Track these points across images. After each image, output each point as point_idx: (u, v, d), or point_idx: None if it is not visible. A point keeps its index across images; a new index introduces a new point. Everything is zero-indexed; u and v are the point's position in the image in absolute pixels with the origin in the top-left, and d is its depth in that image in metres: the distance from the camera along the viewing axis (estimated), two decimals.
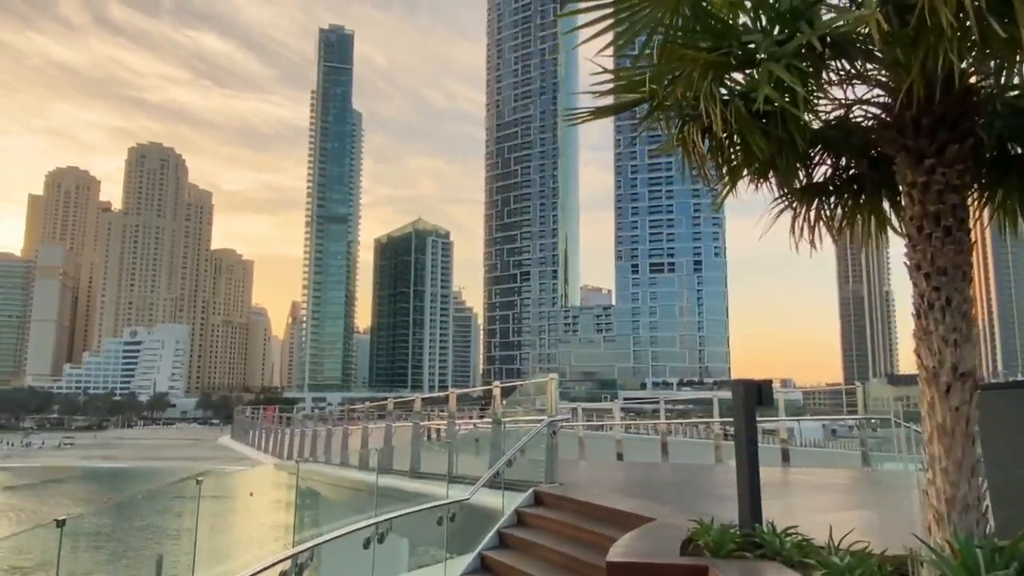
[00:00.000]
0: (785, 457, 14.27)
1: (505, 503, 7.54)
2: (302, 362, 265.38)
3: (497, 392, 9.81)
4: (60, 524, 6.49)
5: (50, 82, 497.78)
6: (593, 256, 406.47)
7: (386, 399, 16.93)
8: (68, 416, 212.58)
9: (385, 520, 6.09)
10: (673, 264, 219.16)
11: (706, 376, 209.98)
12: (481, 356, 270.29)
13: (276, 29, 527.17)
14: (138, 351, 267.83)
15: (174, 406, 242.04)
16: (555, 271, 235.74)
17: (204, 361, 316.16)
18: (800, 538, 4.36)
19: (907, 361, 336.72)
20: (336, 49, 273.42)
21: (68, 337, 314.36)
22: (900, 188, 4.24)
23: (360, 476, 14.16)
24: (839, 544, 4.05)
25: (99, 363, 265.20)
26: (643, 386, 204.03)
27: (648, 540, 4.94)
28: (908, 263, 4.18)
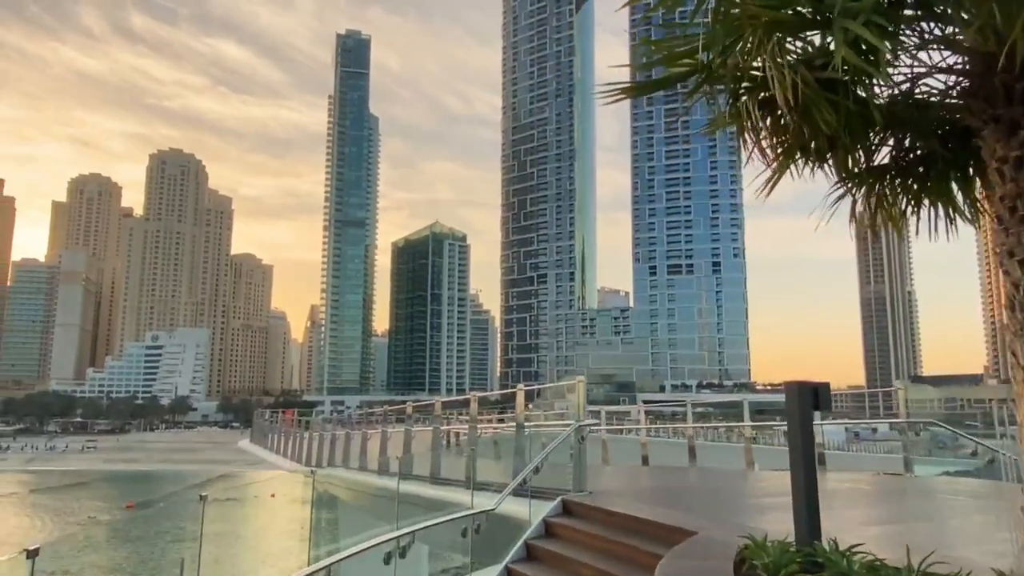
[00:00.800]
0: (820, 460, 13.85)
1: (532, 512, 7.11)
2: (321, 365, 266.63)
3: (521, 395, 9.37)
4: (31, 555, 6.05)
5: (73, 91, 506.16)
6: (610, 258, 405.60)
7: (404, 402, 16.53)
8: (91, 420, 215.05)
9: (408, 533, 5.68)
10: (691, 265, 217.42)
11: (726, 378, 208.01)
12: (498, 359, 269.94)
13: (293, 36, 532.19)
14: (160, 355, 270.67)
15: (195, 409, 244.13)
16: (572, 273, 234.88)
17: (224, 365, 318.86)
18: (871, 557, 3.81)
19: (931, 362, 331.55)
20: (353, 54, 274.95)
21: (91, 342, 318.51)
22: (988, 165, 3.73)
23: (381, 482, 13.70)
24: (921, 567, 3.52)
25: (121, 367, 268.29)
26: (662, 388, 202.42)
27: (695, 559, 4.49)
28: (998, 250, 3.77)
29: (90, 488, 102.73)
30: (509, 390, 9.86)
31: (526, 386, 9.81)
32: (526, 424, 8.81)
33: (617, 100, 4.28)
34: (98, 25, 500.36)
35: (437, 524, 5.99)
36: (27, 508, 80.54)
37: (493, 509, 6.53)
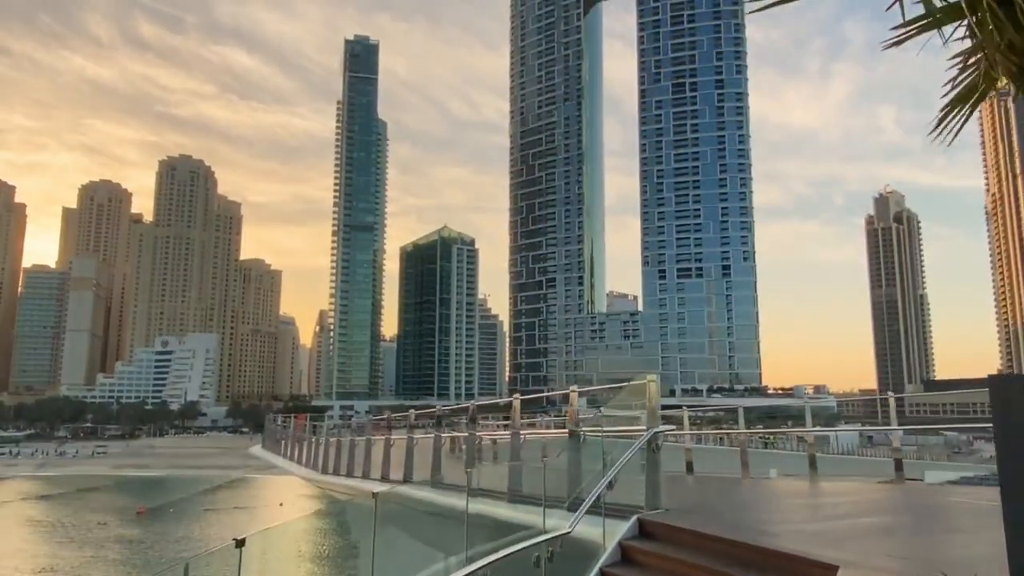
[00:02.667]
0: (811, 463, 13.03)
1: (605, 534, 6.08)
2: (330, 370, 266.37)
3: (574, 397, 8.50)
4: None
5: (83, 99, 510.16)
6: (618, 263, 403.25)
7: (433, 407, 15.59)
8: (101, 425, 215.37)
9: (485, 567, 4.81)
10: (701, 269, 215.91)
11: (736, 383, 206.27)
12: (507, 363, 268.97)
13: (301, 43, 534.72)
14: (169, 360, 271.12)
15: (204, 415, 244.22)
16: (581, 277, 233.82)
17: (234, 370, 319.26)
18: None
19: (943, 366, 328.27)
20: (361, 59, 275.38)
21: (101, 347, 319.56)
22: None
23: (445, 500, 12.15)
24: None
25: (131, 373, 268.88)
26: (672, 393, 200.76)
27: None
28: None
29: (101, 494, 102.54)
30: (560, 391, 8.84)
31: (580, 388, 8.80)
32: (582, 430, 7.94)
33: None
34: (107, 34, 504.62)
35: (512, 554, 5.10)
36: (37, 515, 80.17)
37: (568, 532, 5.54)
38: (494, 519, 7.23)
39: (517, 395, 9.56)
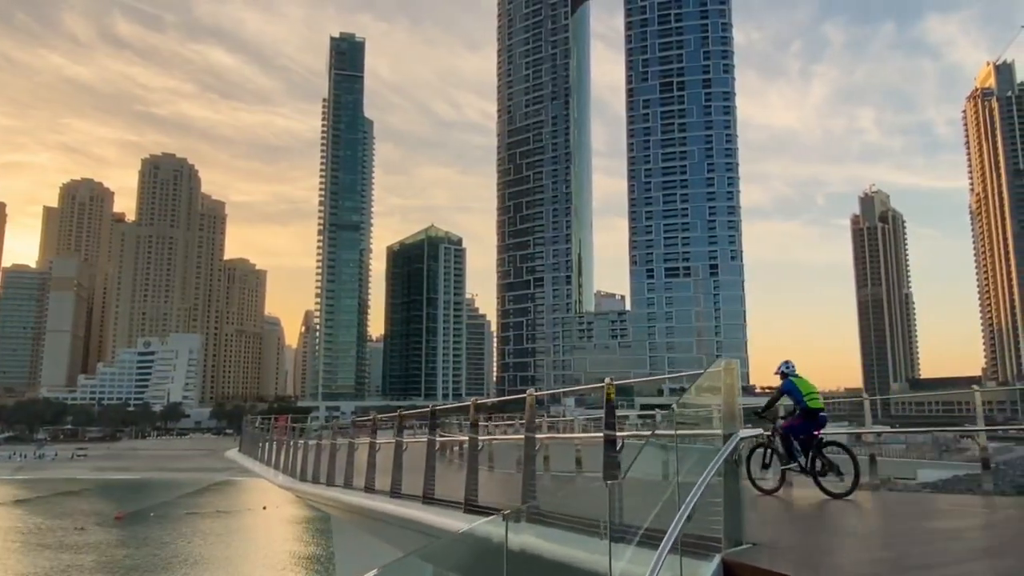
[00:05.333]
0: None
1: None
2: (315, 371, 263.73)
3: (611, 390, 6.77)
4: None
5: (62, 98, 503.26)
6: (604, 263, 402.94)
7: (399, 408, 14.15)
8: (82, 427, 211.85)
9: None
10: (688, 268, 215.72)
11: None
12: (495, 363, 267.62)
13: (281, 43, 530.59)
14: (152, 361, 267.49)
15: (188, 416, 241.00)
16: (569, 277, 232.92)
17: (218, 371, 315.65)
18: None
19: (928, 365, 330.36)
20: (348, 57, 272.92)
21: (83, 348, 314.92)
22: None
23: (417, 515, 9.82)
24: None
25: (113, 374, 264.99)
26: (660, 392, 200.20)
27: None
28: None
29: (79, 498, 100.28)
30: (588, 386, 6.94)
31: (615, 381, 7.10)
32: (624, 435, 6.51)
33: None
34: (85, 32, 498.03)
35: None
36: (12, 520, 77.95)
37: None
38: (535, 555, 5.32)
39: (531, 390, 7.85)
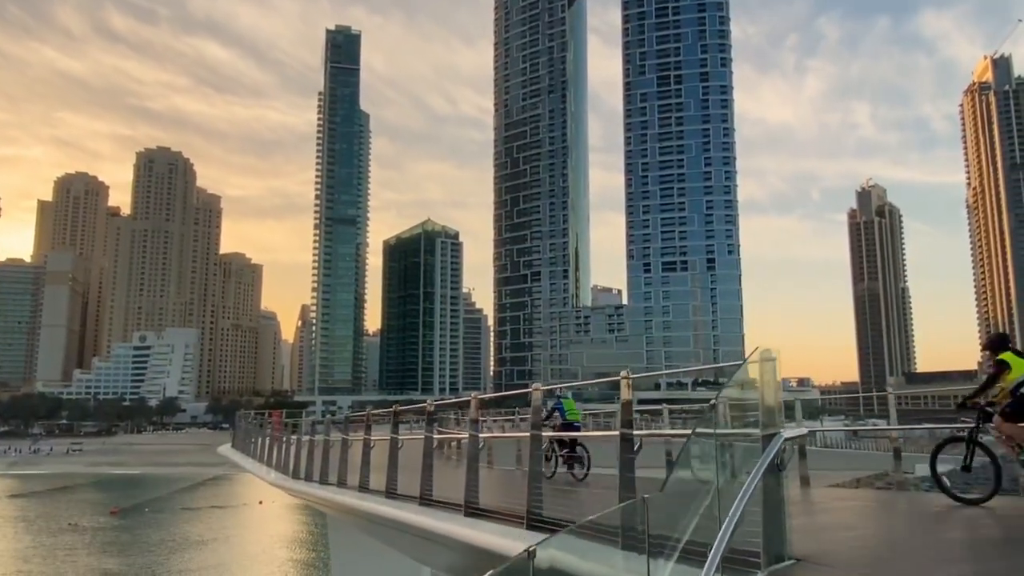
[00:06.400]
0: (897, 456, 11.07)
1: None
2: (312, 365, 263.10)
3: (626, 386, 5.93)
4: None
5: (55, 92, 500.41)
6: (601, 258, 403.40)
7: (421, 401, 13.52)
8: (77, 422, 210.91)
9: None
10: (686, 262, 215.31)
11: (721, 376, 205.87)
12: (492, 358, 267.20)
13: (276, 37, 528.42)
14: (148, 356, 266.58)
15: (184, 411, 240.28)
16: (566, 271, 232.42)
17: (214, 365, 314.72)
18: None
19: (925, 359, 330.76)
20: (343, 50, 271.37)
21: (78, 342, 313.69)
22: None
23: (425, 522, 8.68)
24: None
25: (109, 368, 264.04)
26: (657, 387, 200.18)
27: None
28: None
29: (74, 493, 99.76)
30: (612, 378, 5.49)
31: (631, 374, 6.17)
32: (642, 433, 5.82)
33: None
34: (78, 26, 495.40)
35: None
36: (5, 515, 77.40)
37: None
38: (560, 570, 4.59)
39: (537, 385, 7.18)
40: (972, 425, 6.88)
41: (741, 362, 4.48)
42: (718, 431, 4.24)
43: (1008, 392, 6.48)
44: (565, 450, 11.67)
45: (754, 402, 4.36)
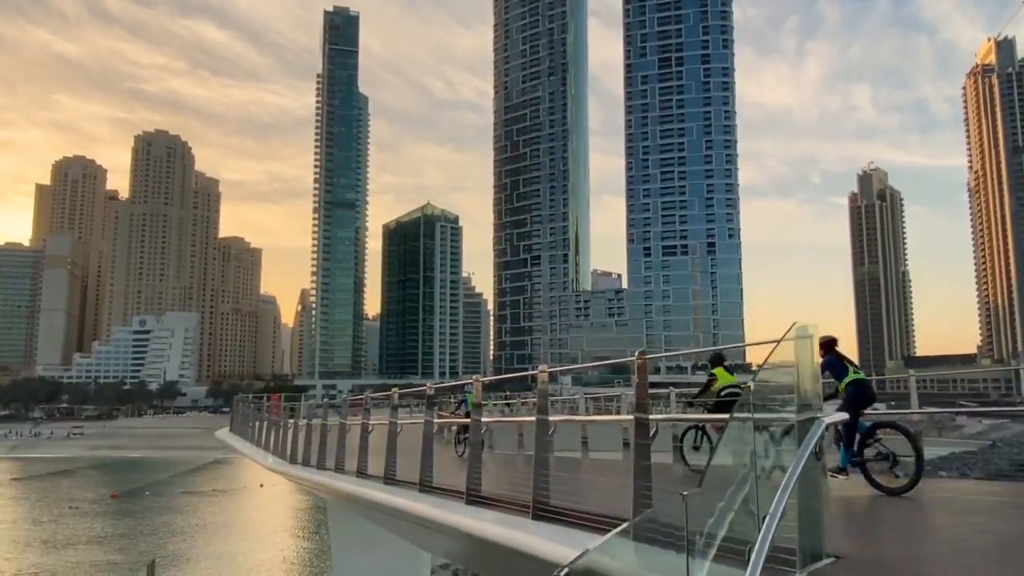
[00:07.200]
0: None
1: None
2: (312, 349, 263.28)
3: (641, 367, 5.52)
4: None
5: (51, 75, 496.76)
6: (600, 242, 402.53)
7: (421, 384, 13.12)
8: (78, 406, 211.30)
9: None
10: (686, 246, 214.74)
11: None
12: (492, 342, 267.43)
13: (272, 19, 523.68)
14: (148, 340, 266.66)
15: (184, 395, 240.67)
16: (566, 255, 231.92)
17: (214, 349, 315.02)
18: None
19: (924, 342, 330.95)
20: (342, 32, 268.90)
21: (78, 326, 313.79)
22: None
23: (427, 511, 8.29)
24: None
25: (109, 352, 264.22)
26: (656, 371, 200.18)
27: None
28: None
29: (75, 476, 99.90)
30: (626, 359, 5.02)
31: (656, 351, 5.61)
32: (659, 418, 5.45)
33: None
34: (73, 8, 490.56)
35: None
36: (5, 499, 77.53)
37: None
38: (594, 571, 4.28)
39: (543, 366, 6.88)
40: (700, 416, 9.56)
41: (775, 340, 4.12)
42: (756, 417, 3.79)
43: (715, 394, 9.04)
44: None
45: (790, 384, 4.02)
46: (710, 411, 9.20)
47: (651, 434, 5.65)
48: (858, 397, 7.19)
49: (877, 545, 4.60)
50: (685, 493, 2.91)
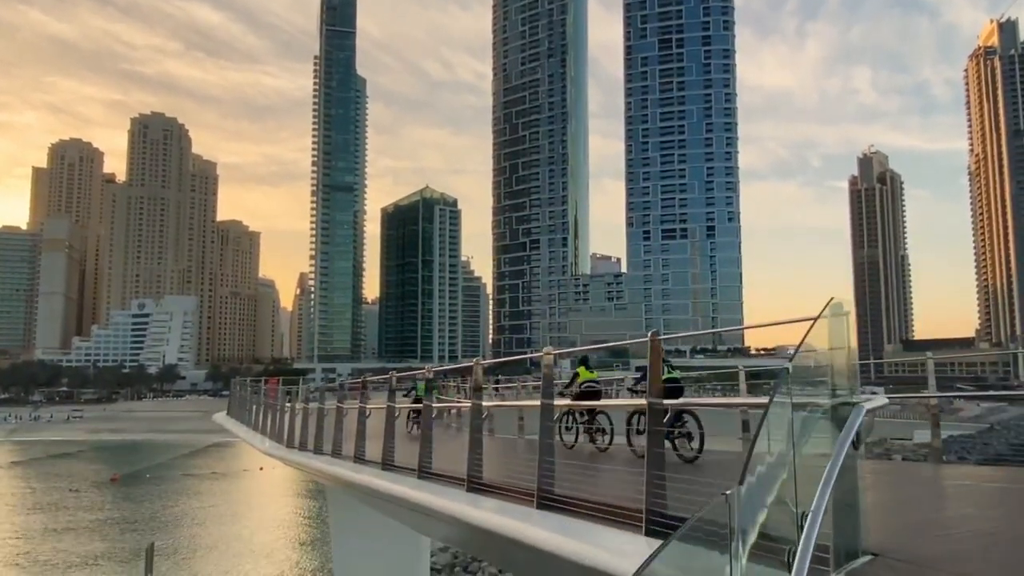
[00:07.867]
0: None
1: None
2: (311, 333, 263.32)
3: (655, 349, 5.02)
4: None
5: (45, 57, 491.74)
6: (601, 226, 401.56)
7: (423, 369, 12.87)
8: (77, 389, 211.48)
9: None
10: (685, 230, 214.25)
11: (719, 343, 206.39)
12: (491, 326, 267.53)
13: (269, 0, 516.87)
14: (147, 323, 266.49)
15: (183, 378, 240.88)
16: (565, 239, 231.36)
17: (213, 333, 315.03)
18: None
19: (923, 326, 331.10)
20: (339, 12, 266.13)
21: (77, 310, 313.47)
22: None
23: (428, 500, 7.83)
24: None
25: (108, 336, 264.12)
26: None
27: None
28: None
29: (75, 459, 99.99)
30: (639, 340, 4.75)
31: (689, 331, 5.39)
32: (677, 403, 5.00)
33: None
34: None
35: None
36: (5, 481, 77.63)
37: None
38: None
39: (548, 349, 6.46)
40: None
41: (805, 319, 3.78)
42: (795, 403, 3.42)
43: (579, 387, 11.35)
44: (584, 419, 11.61)
45: (824, 367, 3.68)
46: (575, 399, 11.20)
47: (665, 419, 5.31)
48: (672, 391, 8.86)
49: (910, 540, 4.32)
50: (727, 492, 2.71)
